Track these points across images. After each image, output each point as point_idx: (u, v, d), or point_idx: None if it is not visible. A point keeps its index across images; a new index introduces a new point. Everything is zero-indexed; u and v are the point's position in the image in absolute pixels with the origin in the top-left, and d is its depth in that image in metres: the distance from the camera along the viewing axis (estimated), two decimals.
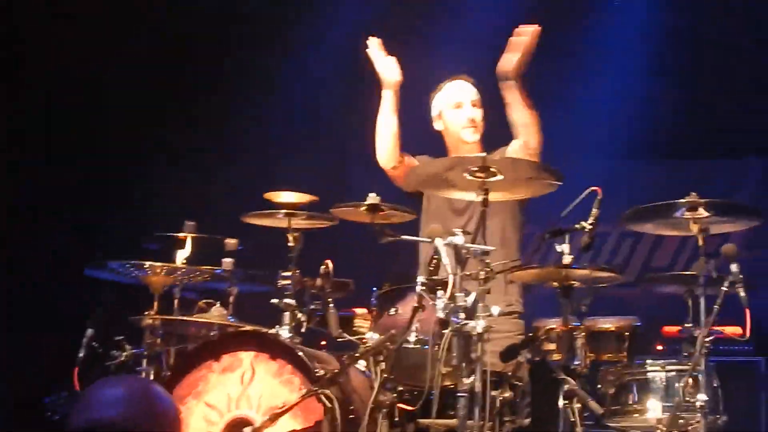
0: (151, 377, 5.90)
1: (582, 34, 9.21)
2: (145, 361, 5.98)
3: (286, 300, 5.50)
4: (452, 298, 4.86)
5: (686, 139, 9.13)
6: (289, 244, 5.61)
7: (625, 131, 9.10)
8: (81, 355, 6.16)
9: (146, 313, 5.98)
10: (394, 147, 6.22)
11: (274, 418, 5.11)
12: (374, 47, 6.25)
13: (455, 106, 6.31)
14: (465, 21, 9.03)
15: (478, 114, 6.30)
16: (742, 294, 5.23)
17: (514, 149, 6.10)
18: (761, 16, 8.71)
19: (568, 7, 9.14)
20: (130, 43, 9.02)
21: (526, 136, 6.07)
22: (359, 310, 5.81)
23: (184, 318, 5.96)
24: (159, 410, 2.97)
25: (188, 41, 9.18)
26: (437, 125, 6.38)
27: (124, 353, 6.04)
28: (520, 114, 6.02)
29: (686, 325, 5.63)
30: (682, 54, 9.00)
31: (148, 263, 5.96)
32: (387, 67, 6.23)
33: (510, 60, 5.98)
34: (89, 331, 6.18)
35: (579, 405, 5.41)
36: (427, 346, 5.07)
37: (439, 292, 4.92)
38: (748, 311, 5.26)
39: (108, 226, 8.75)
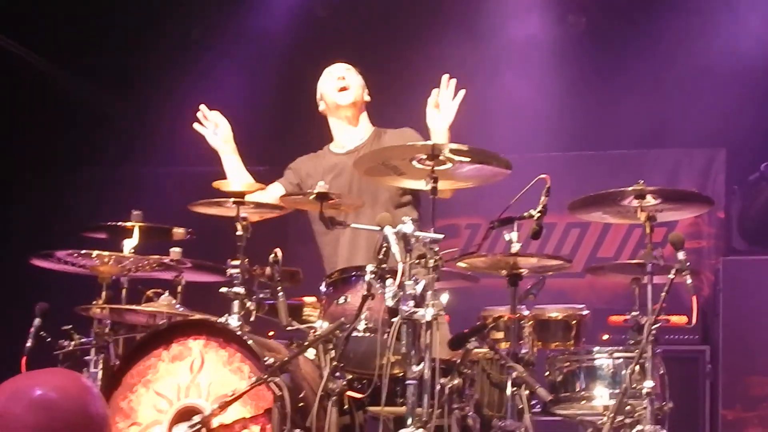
0: (100, 366, 5.87)
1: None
2: (93, 351, 5.94)
3: (235, 289, 5.47)
4: (401, 286, 4.88)
5: (628, 131, 9.20)
6: (238, 233, 5.57)
7: (568, 123, 9.17)
8: (29, 344, 6.11)
9: (94, 302, 5.94)
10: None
11: (224, 406, 5.11)
12: (201, 123, 6.30)
13: (327, 75, 6.40)
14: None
15: (348, 76, 6.36)
16: (689, 281, 5.27)
17: None
18: None
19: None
20: (79, 28, 8.99)
21: None
22: (308, 299, 5.81)
23: (133, 307, 5.93)
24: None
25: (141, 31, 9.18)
26: (321, 106, 6.46)
27: (73, 342, 6.01)
28: None
29: (633, 313, 5.67)
30: (621, 45, 9.08)
31: (95, 253, 5.91)
32: (212, 138, 6.30)
33: (443, 118, 5.97)
34: (37, 321, 6.14)
35: (527, 392, 5.45)
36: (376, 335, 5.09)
37: (389, 281, 4.94)
38: (695, 298, 5.31)
39: (55, 215, 8.70)
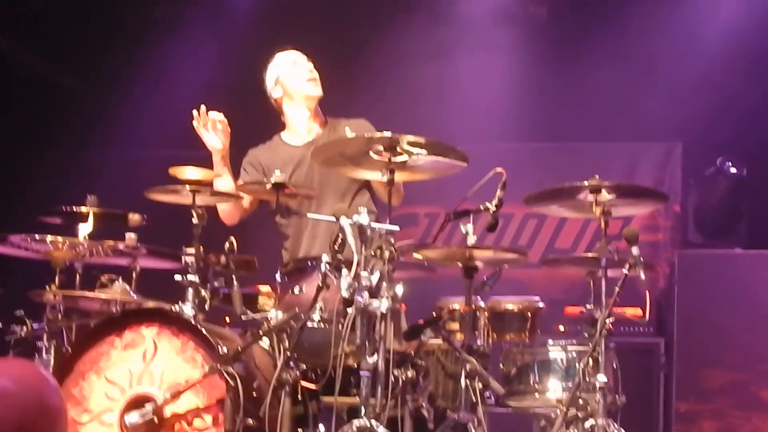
0: (52, 352, 5.84)
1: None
2: (45, 337, 5.90)
3: (190, 277, 5.45)
4: (356, 277, 4.87)
5: (586, 123, 9.22)
6: (194, 220, 5.55)
7: (528, 115, 9.20)
8: None
9: (47, 288, 5.90)
10: (236, 208, 6.19)
11: (177, 395, 5.10)
12: (198, 120, 6.14)
13: (292, 63, 6.32)
14: None
15: (314, 71, 6.31)
16: (643, 276, 5.29)
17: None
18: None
19: None
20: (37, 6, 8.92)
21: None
22: (263, 288, 5.80)
23: (86, 294, 5.89)
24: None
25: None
26: (275, 92, 6.36)
27: (25, 328, 5.97)
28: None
29: (587, 306, 5.68)
30: (580, 38, 9.11)
31: (49, 238, 5.87)
32: (211, 139, 6.14)
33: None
34: None
35: (480, 385, 5.46)
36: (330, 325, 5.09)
37: (344, 271, 4.94)
38: (648, 293, 5.33)
39: (9, 199, 8.63)
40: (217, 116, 6.12)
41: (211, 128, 6.10)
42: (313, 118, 6.30)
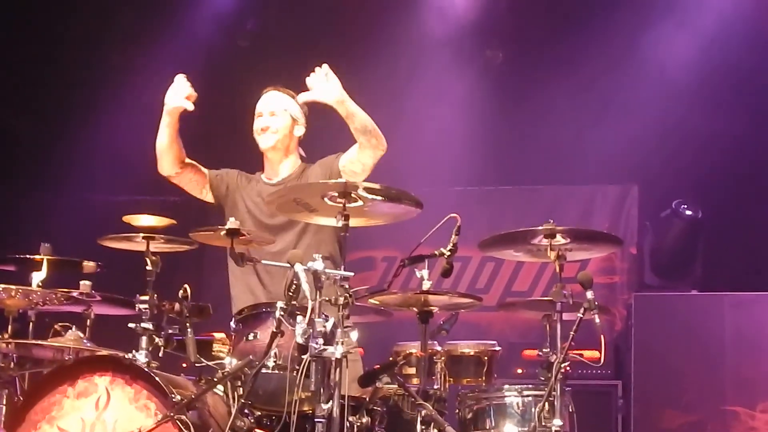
0: (4, 401, 5.77)
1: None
2: None
3: (144, 324, 5.42)
4: (311, 323, 4.86)
5: (543, 166, 9.27)
6: (148, 267, 5.52)
7: (485, 158, 9.24)
8: None
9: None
10: (170, 157, 6.10)
11: None
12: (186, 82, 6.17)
13: (257, 116, 6.31)
14: None
15: (272, 121, 6.21)
16: (597, 321, 5.31)
17: (351, 157, 6.09)
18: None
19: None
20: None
21: (372, 141, 6.04)
22: (218, 335, 5.76)
23: (39, 342, 5.84)
24: None
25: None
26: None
27: None
28: (357, 122, 6.03)
29: (544, 350, 5.69)
30: (536, 81, 9.17)
31: (2, 285, 5.82)
32: (174, 96, 6.13)
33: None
34: None
35: (436, 431, 5.44)
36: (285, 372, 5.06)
37: (299, 317, 4.92)
38: (602, 336, 5.35)
39: None
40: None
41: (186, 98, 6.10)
42: (280, 162, 6.23)
